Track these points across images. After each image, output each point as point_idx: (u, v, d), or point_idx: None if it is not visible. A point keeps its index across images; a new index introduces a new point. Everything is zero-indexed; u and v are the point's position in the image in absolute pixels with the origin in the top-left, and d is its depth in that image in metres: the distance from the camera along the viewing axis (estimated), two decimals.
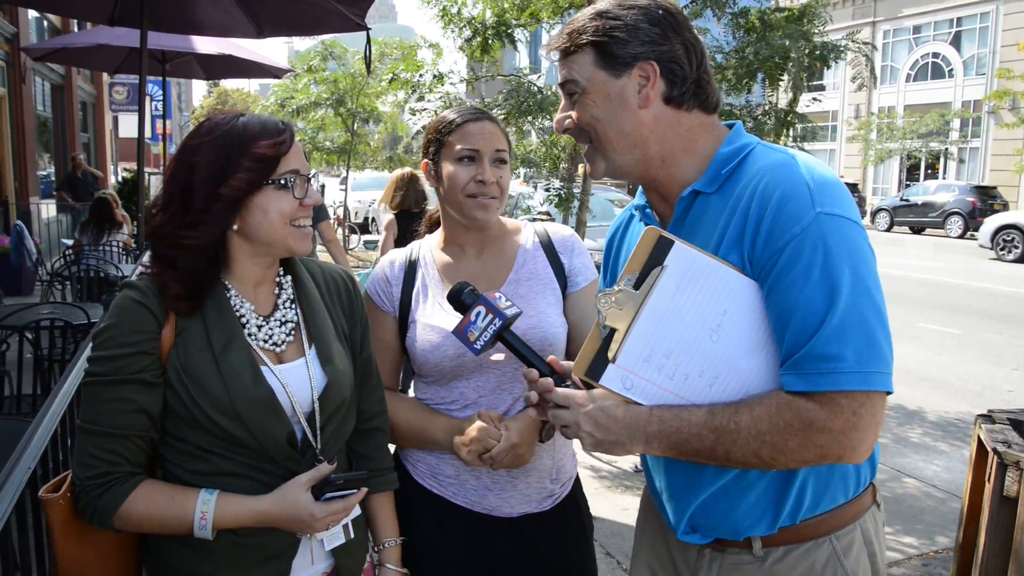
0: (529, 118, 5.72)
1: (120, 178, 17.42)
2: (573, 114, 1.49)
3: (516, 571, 1.91)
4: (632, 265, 1.37)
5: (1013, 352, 8.48)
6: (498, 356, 1.86)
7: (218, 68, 9.47)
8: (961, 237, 22.82)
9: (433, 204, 2.12)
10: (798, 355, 1.27)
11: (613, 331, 1.37)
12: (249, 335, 1.53)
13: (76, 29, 15.32)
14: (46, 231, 13.35)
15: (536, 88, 5.90)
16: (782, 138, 5.85)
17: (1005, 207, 23.06)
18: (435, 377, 1.91)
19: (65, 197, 13.58)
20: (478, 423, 1.79)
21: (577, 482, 2.06)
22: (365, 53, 5.37)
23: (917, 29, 34.20)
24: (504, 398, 1.89)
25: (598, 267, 1.90)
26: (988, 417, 2.91)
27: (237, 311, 1.54)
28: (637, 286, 1.36)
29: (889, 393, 1.28)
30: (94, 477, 1.43)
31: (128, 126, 24.96)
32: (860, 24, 32.24)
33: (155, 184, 18.45)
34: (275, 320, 1.59)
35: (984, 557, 2.60)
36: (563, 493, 1.99)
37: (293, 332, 1.60)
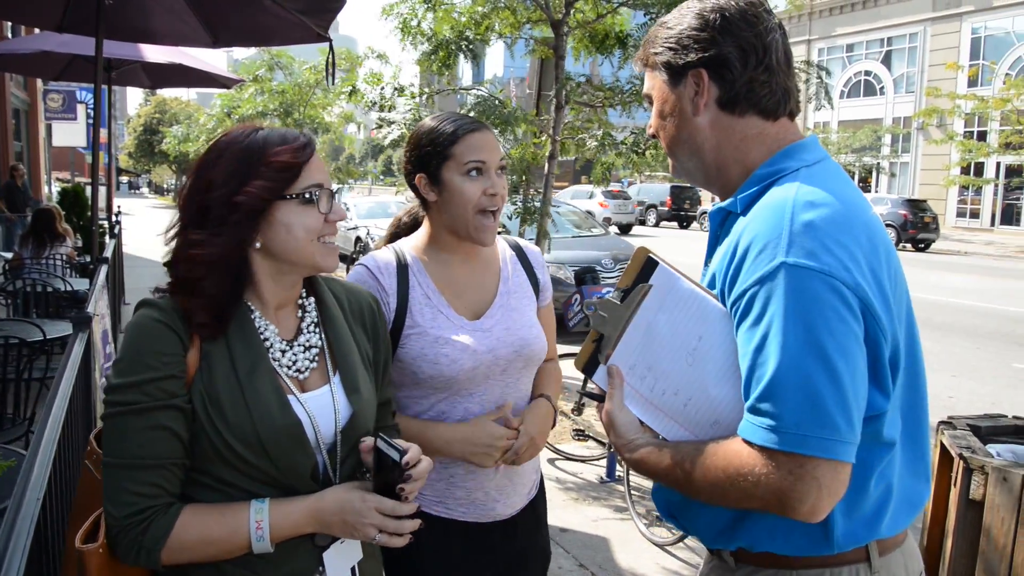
0: (496, 132, 5.75)
1: (58, 188, 16.74)
2: (651, 122, 1.54)
3: (510, 561, 1.98)
4: (624, 279, 1.44)
5: (951, 360, 8.81)
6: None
7: (165, 77, 9.27)
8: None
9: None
10: (747, 403, 1.27)
11: (603, 336, 1.45)
12: (273, 360, 1.44)
13: (10, 35, 14.82)
14: None
15: (498, 102, 5.93)
16: None
17: (935, 220, 24.03)
18: (437, 389, 1.86)
19: (2, 207, 13.06)
20: (500, 428, 1.85)
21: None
22: (327, 64, 5.33)
23: (850, 47, 35.46)
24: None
25: (554, 281, 1.98)
26: (949, 423, 3.03)
27: (261, 334, 1.44)
28: (623, 299, 1.43)
29: (847, 462, 1.21)
30: (133, 515, 1.31)
31: (62, 135, 24.10)
32: (795, 42, 33.24)
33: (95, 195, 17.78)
34: (299, 345, 1.49)
35: (952, 558, 2.70)
36: (537, 479, 2.09)
37: (317, 358, 1.51)
